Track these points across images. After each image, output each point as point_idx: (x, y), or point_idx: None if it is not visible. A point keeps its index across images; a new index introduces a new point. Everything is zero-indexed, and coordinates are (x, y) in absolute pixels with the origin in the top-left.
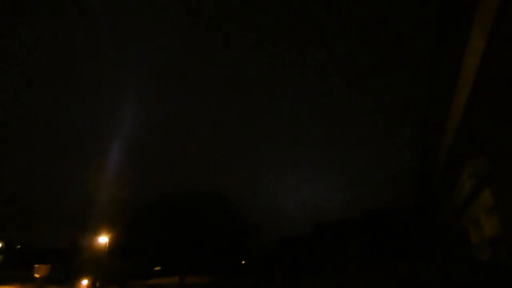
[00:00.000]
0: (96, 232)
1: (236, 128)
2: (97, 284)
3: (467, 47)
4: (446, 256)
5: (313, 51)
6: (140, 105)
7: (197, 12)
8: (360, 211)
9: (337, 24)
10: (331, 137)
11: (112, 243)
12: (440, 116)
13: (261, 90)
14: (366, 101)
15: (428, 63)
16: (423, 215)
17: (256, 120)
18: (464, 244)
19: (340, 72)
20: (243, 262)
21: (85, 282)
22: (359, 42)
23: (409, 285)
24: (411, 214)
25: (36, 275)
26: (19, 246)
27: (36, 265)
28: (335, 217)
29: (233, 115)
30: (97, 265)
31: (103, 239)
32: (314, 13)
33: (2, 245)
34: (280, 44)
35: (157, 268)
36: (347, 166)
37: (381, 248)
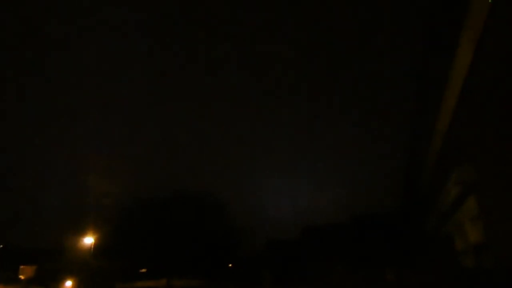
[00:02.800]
0: (81, 232)
1: (225, 130)
2: (82, 286)
3: (455, 54)
4: (431, 262)
5: (306, 55)
6: (129, 105)
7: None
8: (348, 215)
9: (324, 31)
10: (319, 141)
11: (98, 244)
12: (427, 123)
13: (250, 93)
14: (355, 106)
15: (416, 70)
16: (409, 220)
17: (245, 123)
18: (449, 250)
19: (330, 77)
20: (231, 265)
21: (69, 283)
22: (346, 50)
23: None
24: (398, 220)
25: (21, 277)
26: (1, 246)
27: (22, 266)
28: (323, 221)
29: (223, 117)
30: (81, 266)
31: (89, 240)
32: (309, 16)
33: None
34: (271, 47)
35: (143, 270)
36: (335, 171)
37: (368, 253)
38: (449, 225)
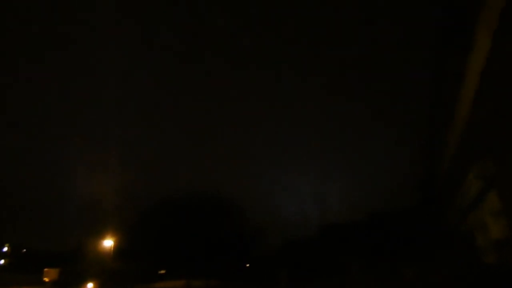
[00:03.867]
0: (101, 235)
1: (240, 130)
2: None
3: (473, 45)
4: (451, 258)
5: (315, 51)
6: (141, 108)
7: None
8: (365, 212)
9: (338, 22)
10: (335, 138)
11: (117, 247)
12: (445, 116)
13: (262, 89)
14: (372, 102)
15: (433, 61)
16: (428, 217)
17: (260, 122)
18: (470, 247)
19: (343, 71)
20: (248, 265)
21: (90, 285)
22: (361, 42)
23: None
24: (416, 217)
25: (46, 279)
26: (24, 250)
27: (46, 269)
28: (340, 219)
29: (236, 116)
30: (102, 268)
31: (108, 243)
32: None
33: (8, 248)
34: (278, 41)
35: (162, 271)
36: (352, 168)
37: (387, 250)
38: (469, 221)
